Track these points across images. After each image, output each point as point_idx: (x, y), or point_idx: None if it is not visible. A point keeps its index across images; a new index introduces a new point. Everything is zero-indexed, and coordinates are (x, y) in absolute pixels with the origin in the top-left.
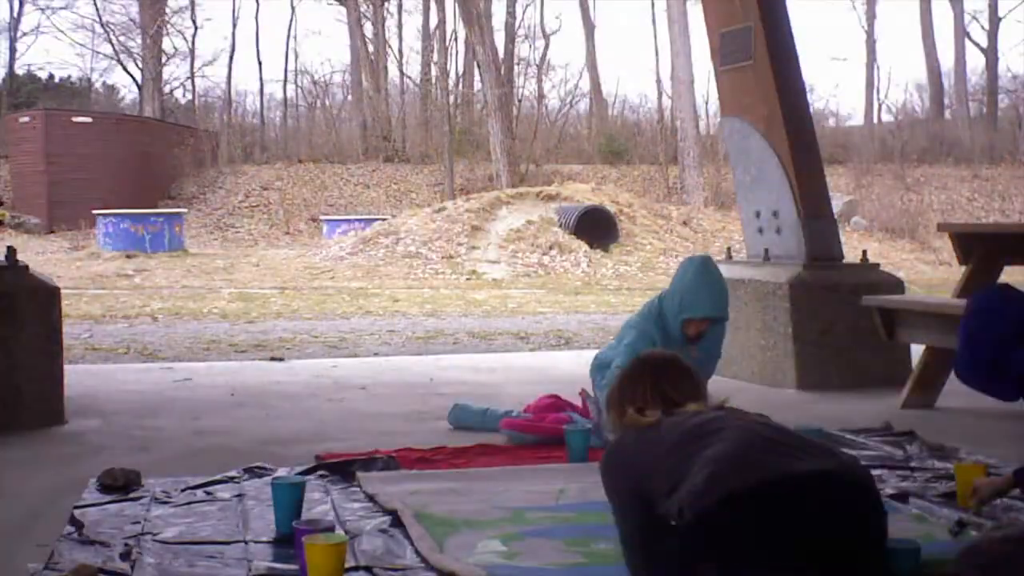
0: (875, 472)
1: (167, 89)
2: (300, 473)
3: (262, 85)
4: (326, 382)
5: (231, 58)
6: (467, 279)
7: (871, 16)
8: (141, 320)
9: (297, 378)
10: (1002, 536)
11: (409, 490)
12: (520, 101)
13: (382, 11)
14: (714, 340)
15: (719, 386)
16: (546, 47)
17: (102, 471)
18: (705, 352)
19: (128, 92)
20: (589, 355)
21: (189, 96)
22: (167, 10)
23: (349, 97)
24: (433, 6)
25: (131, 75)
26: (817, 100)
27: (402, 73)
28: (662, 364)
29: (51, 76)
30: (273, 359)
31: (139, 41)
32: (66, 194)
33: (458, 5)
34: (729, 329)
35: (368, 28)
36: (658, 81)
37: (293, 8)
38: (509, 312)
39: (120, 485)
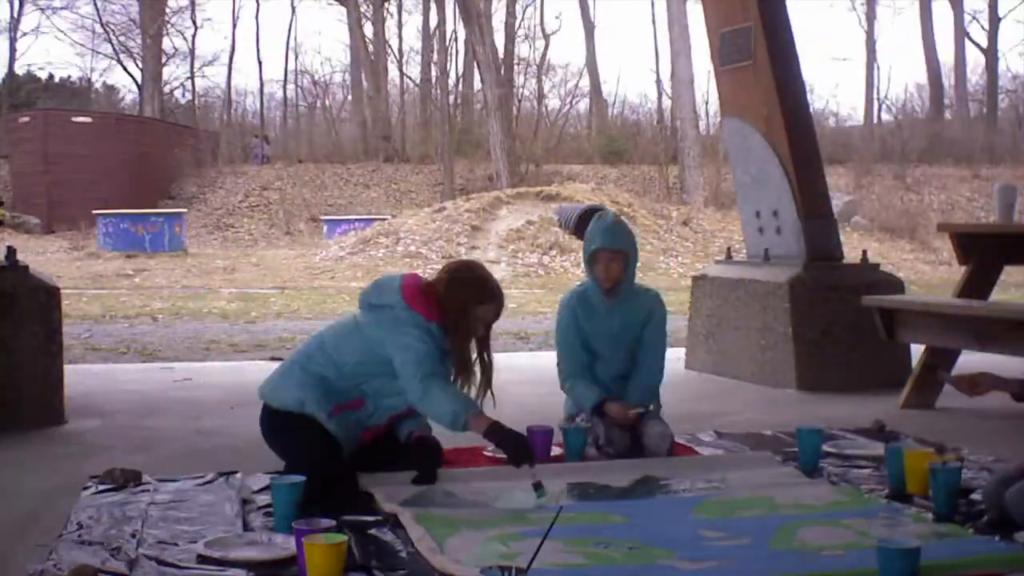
0: (866, 472)
1: (167, 89)
2: None
3: (262, 85)
4: None
5: (231, 58)
6: None
7: (871, 16)
8: (141, 320)
9: None
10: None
11: (409, 491)
12: (520, 101)
13: (382, 11)
14: (656, 325)
15: (719, 386)
16: (546, 47)
17: (102, 471)
18: (652, 334)
19: (128, 92)
20: None
21: (189, 96)
22: (167, 10)
23: (349, 97)
24: (433, 6)
25: (131, 75)
26: (817, 100)
27: (402, 73)
28: None
29: (51, 76)
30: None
31: (139, 41)
32: (66, 194)
33: (458, 5)
34: (729, 329)
35: (368, 28)
36: (658, 81)
37: (293, 8)
38: (509, 312)
39: (120, 485)
